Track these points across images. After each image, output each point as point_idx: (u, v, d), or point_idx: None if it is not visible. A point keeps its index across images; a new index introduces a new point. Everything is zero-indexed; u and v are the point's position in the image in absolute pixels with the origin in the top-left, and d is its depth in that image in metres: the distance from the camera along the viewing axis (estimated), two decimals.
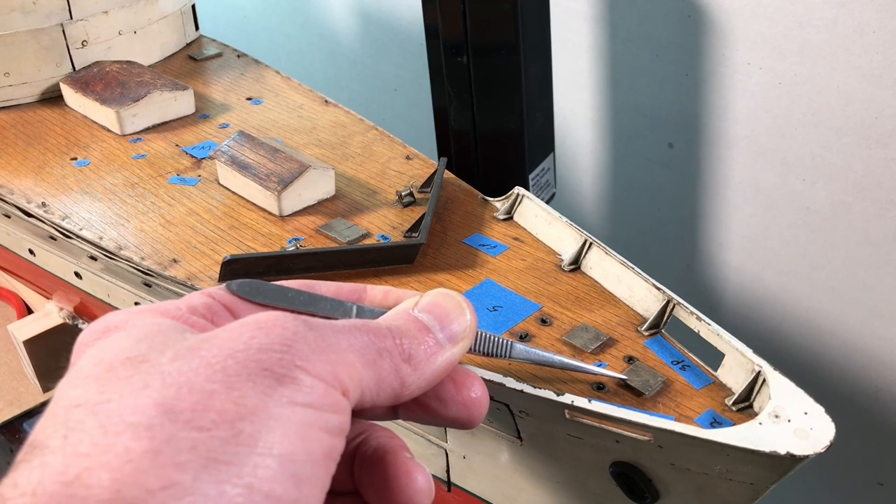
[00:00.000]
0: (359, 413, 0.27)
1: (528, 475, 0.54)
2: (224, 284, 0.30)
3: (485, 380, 0.45)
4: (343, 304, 0.31)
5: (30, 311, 0.96)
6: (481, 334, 0.34)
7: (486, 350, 0.35)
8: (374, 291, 0.33)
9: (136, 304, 0.69)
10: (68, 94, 0.84)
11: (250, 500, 0.21)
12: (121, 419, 0.22)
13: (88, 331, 0.27)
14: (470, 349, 0.32)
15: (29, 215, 0.70)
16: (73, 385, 0.24)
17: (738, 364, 0.46)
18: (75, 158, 0.75)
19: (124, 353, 0.24)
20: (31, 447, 0.22)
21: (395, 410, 0.30)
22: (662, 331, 0.51)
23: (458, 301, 0.30)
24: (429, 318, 0.29)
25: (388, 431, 0.30)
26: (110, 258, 0.64)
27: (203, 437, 0.22)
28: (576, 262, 0.57)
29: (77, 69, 0.87)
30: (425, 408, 0.29)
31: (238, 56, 0.98)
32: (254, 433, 0.22)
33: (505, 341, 0.35)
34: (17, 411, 0.85)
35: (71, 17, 0.85)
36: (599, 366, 0.47)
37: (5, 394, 0.89)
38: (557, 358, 0.40)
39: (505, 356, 0.35)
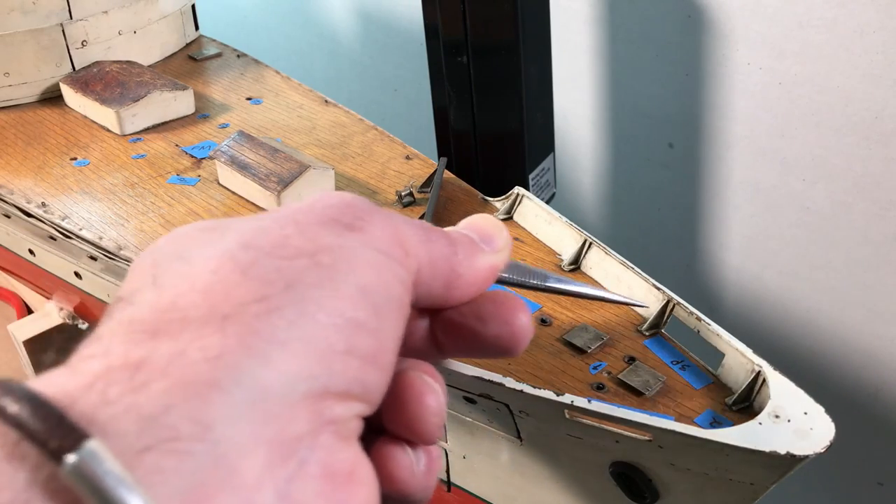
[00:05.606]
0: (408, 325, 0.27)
1: (528, 475, 0.54)
2: None
3: (484, 380, 0.45)
4: None
5: (30, 311, 0.96)
6: (515, 263, 0.34)
7: (521, 278, 0.33)
8: None
9: None
10: (68, 94, 0.84)
11: (335, 321, 0.22)
12: (207, 255, 0.23)
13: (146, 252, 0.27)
14: (505, 278, 0.31)
15: (29, 215, 0.70)
16: (150, 252, 0.24)
17: (738, 364, 0.46)
18: (75, 158, 0.75)
19: (196, 227, 0.25)
20: (118, 300, 0.23)
21: (438, 343, 0.29)
22: (662, 331, 0.51)
23: (496, 221, 0.31)
24: (470, 232, 0.29)
25: (421, 363, 0.28)
26: (110, 258, 0.64)
27: (285, 263, 0.22)
28: (576, 262, 0.57)
29: (77, 69, 0.87)
30: (466, 330, 0.28)
31: (238, 56, 0.98)
32: (333, 264, 0.23)
33: (540, 271, 0.34)
34: None
35: (71, 17, 0.85)
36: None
37: None
38: (591, 290, 0.36)
39: (541, 285, 0.34)
